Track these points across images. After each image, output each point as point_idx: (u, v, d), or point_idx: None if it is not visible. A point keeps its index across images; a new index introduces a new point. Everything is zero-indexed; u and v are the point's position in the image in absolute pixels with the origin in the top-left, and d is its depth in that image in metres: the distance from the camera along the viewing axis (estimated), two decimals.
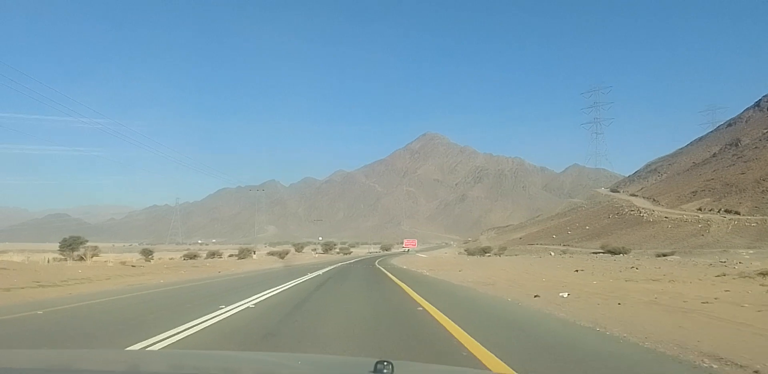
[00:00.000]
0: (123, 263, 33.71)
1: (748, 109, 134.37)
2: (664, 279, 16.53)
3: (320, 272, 25.33)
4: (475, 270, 28.20)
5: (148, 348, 5.45)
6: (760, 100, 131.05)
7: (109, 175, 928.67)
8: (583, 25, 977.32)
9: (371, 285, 16.59)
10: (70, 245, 51.94)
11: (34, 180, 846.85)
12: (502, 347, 5.45)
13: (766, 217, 61.19)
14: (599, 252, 59.23)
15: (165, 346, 5.54)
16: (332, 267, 34.02)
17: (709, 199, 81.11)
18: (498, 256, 69.74)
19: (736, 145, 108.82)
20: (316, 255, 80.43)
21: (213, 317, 7.87)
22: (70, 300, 11.07)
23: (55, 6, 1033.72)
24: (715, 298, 10.26)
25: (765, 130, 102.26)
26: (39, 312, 8.75)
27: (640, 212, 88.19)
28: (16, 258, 36.01)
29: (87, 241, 56.92)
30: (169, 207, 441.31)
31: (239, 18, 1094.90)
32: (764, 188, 72.46)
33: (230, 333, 6.64)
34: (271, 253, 67.00)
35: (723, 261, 31.96)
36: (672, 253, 50.29)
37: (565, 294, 11.72)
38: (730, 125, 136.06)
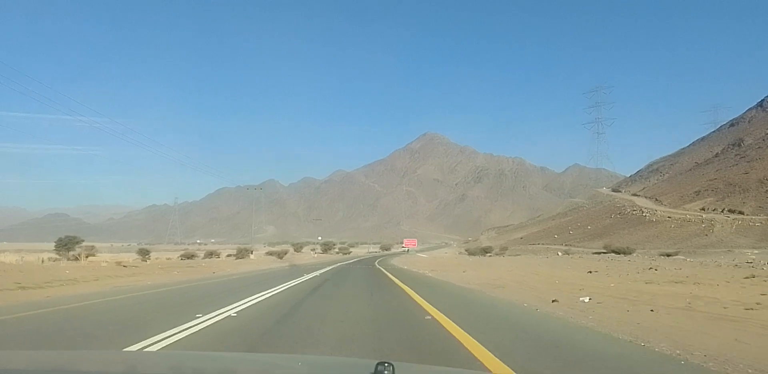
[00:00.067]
0: (119, 263, 32.85)
1: (750, 109, 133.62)
2: (687, 281, 15.49)
3: (317, 273, 24.42)
4: (479, 271, 27.22)
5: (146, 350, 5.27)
6: (763, 100, 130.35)
7: (108, 174, 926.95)
8: (584, 24, 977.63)
9: (371, 289, 15.25)
10: (65, 245, 51.07)
11: (34, 179, 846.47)
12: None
13: None
14: (602, 253, 58.41)
15: None
16: (330, 267, 33.12)
17: (712, 199, 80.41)
18: (499, 256, 68.85)
19: (739, 144, 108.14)
20: (315, 255, 79.56)
21: (181, 331, 6.58)
22: (40, 305, 10.14)
23: (55, 6, 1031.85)
24: (757, 303, 9.30)
25: None
26: None
27: (643, 212, 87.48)
28: (10, 258, 35.23)
29: (83, 241, 56.06)
30: (168, 206, 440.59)
31: (239, 18, 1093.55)
32: None
33: None
34: (270, 253, 66.10)
35: (749, 261, 30.66)
36: (676, 253, 49.54)
37: (587, 299, 10.72)
38: (732, 125, 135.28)
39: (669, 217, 77.11)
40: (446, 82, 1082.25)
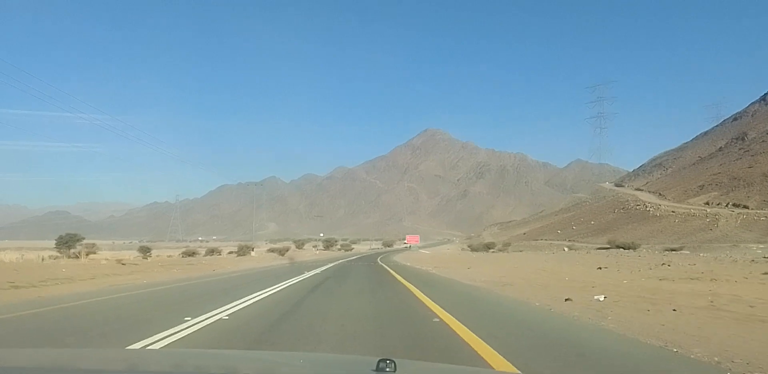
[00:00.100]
0: (119, 261, 32.53)
1: (753, 103, 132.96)
2: (704, 278, 14.91)
3: (319, 270, 24.00)
4: (484, 267, 26.68)
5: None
6: (766, 94, 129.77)
7: (109, 171, 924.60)
8: (585, 21, 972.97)
9: (374, 287, 14.66)
10: (66, 243, 50.82)
11: (34, 177, 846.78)
12: None
13: None
14: (606, 248, 57.99)
15: None
16: (332, 264, 32.73)
17: (716, 193, 79.90)
18: (502, 252, 68.46)
19: (743, 138, 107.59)
20: (317, 252, 79.26)
21: (162, 339, 5.93)
22: (27, 306, 9.67)
23: (55, 6, 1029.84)
24: None
25: None
26: None
27: (647, 207, 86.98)
28: (11, 256, 34.94)
29: (84, 239, 55.84)
30: (170, 204, 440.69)
31: (239, 18, 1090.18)
32: None
33: None
34: (271, 250, 65.82)
35: (766, 256, 29.98)
36: (681, 248, 49.13)
37: (601, 298, 10.12)
38: (735, 119, 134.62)
39: (673, 212, 76.62)
40: (447, 78, 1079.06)
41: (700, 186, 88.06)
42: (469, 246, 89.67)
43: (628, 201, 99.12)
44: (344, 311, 8.79)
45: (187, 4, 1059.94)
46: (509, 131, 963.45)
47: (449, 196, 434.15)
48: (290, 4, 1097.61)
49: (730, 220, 63.06)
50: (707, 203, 76.30)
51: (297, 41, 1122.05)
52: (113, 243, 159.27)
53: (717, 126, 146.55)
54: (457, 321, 7.15)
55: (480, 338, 5.81)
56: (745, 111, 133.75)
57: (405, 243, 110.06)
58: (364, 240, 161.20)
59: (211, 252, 60.86)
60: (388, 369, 1.86)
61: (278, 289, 12.90)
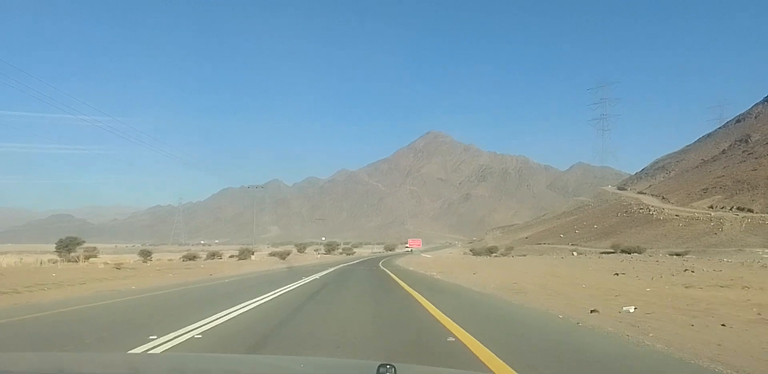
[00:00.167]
0: (118, 264, 32.34)
1: (757, 104, 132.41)
2: (734, 285, 14.05)
3: (318, 275, 23.29)
4: (490, 272, 25.87)
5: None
6: None
7: (112, 174, 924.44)
8: (587, 22, 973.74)
9: (377, 295, 13.65)
10: (66, 246, 50.69)
11: (36, 180, 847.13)
12: None
13: None
14: (610, 252, 57.60)
15: None
16: (332, 269, 32.09)
17: (720, 197, 79.45)
18: (505, 256, 68.06)
19: (746, 141, 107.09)
20: (319, 255, 78.95)
21: None
22: None
23: (55, 6, 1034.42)
24: None
25: None
26: None
27: (650, 210, 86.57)
28: (9, 260, 34.86)
29: (84, 242, 55.73)
30: (173, 207, 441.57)
31: (240, 18, 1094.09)
32: None
33: None
34: (273, 254, 65.46)
35: None
36: (686, 252, 48.81)
37: (631, 309, 9.14)
38: (738, 121, 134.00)
39: (677, 216, 76.19)
40: (449, 80, 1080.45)
41: (703, 189, 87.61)
42: (471, 250, 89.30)
43: (631, 204, 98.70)
44: (339, 330, 7.33)
45: (187, 4, 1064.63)
46: (511, 134, 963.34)
47: (451, 200, 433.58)
48: (291, 4, 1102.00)
49: (734, 224, 62.63)
50: (711, 207, 75.86)
51: (298, 41, 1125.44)
52: (116, 246, 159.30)
53: (720, 128, 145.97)
54: (478, 343, 5.97)
55: (509, 366, 4.81)
56: (748, 113, 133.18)
57: (407, 246, 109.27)
58: (366, 244, 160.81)
59: (213, 255, 60.64)
60: None
61: (270, 298, 11.96)
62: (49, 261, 38.07)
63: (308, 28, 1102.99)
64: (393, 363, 1.91)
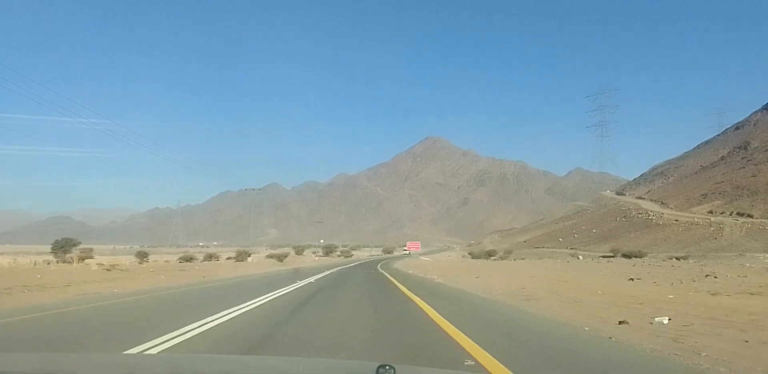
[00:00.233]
0: (113, 266, 32.04)
1: (756, 111, 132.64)
2: (764, 293, 13.30)
3: (314, 278, 22.83)
4: (493, 276, 25.09)
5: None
6: None
7: (111, 177, 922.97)
8: (587, 27, 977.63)
9: (375, 300, 12.56)
10: (62, 247, 50.40)
11: (35, 182, 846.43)
12: None
13: None
14: (610, 256, 57.39)
15: None
16: (330, 271, 31.76)
17: (719, 202, 79.42)
18: (504, 260, 67.74)
19: (746, 147, 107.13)
20: (317, 258, 78.63)
21: None
22: None
23: (55, 6, 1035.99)
24: None
25: None
26: None
27: (649, 215, 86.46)
28: (2, 260, 34.45)
29: (80, 243, 55.41)
30: (171, 209, 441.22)
31: (240, 19, 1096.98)
32: None
33: None
34: (270, 256, 65.18)
35: None
36: (686, 257, 48.67)
37: (665, 320, 8.26)
38: (737, 128, 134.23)
39: (676, 220, 76.12)
40: (449, 85, 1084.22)
41: (702, 195, 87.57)
42: (470, 254, 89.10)
43: (630, 209, 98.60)
44: (332, 346, 6.01)
45: (187, 4, 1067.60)
46: (509, 139, 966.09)
47: (450, 204, 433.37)
48: (291, 5, 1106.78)
49: (735, 229, 62.56)
50: (711, 212, 75.81)
51: (298, 43, 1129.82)
52: (114, 248, 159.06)
53: (719, 135, 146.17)
54: (500, 364, 4.85)
55: None
56: (747, 120, 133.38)
57: (405, 249, 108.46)
58: (364, 247, 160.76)
59: (209, 257, 60.46)
60: None
61: (258, 304, 10.87)
62: (43, 262, 37.63)
63: (309, 29, 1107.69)
64: (392, 365, 1.88)
